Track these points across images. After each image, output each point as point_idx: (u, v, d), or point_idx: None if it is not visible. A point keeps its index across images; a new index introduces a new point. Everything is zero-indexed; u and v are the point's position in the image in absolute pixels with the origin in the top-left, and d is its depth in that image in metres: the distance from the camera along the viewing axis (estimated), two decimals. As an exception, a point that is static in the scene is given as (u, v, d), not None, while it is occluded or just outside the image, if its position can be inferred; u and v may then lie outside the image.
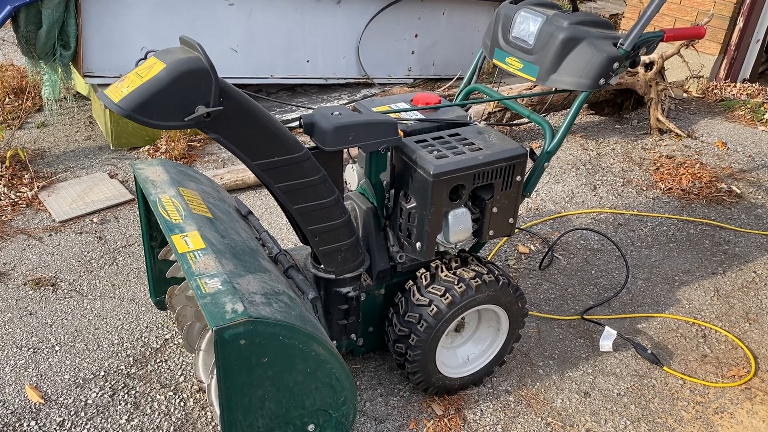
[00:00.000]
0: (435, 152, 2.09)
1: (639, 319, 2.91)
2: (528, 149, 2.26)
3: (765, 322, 2.91)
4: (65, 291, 2.94)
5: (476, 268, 2.27)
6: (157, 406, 2.37)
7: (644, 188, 4.03)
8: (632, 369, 2.62)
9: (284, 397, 1.91)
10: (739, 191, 4.01)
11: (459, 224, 2.16)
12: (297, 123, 2.02)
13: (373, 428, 2.32)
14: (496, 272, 2.29)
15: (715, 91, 5.49)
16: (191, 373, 2.53)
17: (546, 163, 2.34)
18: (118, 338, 2.68)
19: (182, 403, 2.40)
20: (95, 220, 3.48)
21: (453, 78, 5.51)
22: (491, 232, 2.26)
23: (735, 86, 5.53)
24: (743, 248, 3.46)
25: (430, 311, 2.18)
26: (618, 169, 4.24)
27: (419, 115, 2.30)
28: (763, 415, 2.43)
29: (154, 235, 2.63)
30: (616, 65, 2.20)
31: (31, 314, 2.79)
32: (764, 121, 4.98)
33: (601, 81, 2.22)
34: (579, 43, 2.22)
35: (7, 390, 2.41)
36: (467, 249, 2.43)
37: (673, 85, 4.79)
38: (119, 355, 2.60)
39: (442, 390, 2.42)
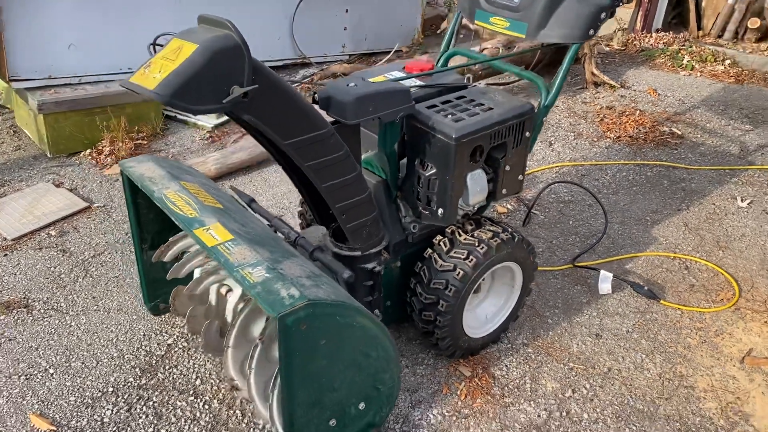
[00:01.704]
0: (449, 116, 2.08)
1: (625, 260, 3.06)
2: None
3: (735, 248, 3.14)
4: (42, 311, 2.72)
5: (492, 228, 2.29)
6: (181, 413, 2.26)
7: (595, 139, 4.20)
8: (633, 307, 2.76)
9: (340, 378, 1.87)
10: (680, 132, 4.27)
11: (477, 186, 2.18)
12: (310, 100, 1.95)
13: (408, 399, 2.31)
14: (510, 230, 2.33)
15: (634, 42, 5.78)
16: (207, 375, 2.42)
17: (545, 117, 2.39)
18: (116, 351, 2.52)
19: (207, 406, 2.29)
20: (52, 233, 3.23)
21: (390, 51, 5.49)
22: (504, 191, 2.29)
23: (651, 36, 5.86)
24: (698, 184, 3.70)
25: (457, 275, 2.19)
26: (566, 124, 4.40)
27: (419, 82, 2.28)
28: (757, 331, 2.62)
29: (145, 237, 2.49)
30: (603, 15, 2.27)
31: (10, 340, 2.57)
32: (684, 66, 5.31)
33: (591, 32, 2.29)
34: (567, -4, 2.27)
35: (9, 422, 2.21)
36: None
37: (602, 39, 5.00)
38: (123, 367, 2.45)
39: (467, 352, 2.45)
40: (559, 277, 2.94)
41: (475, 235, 2.26)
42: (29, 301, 2.78)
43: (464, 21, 5.50)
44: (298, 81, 4.98)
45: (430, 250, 2.29)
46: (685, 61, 5.33)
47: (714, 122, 4.45)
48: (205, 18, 1.59)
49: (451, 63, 2.73)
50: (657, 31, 6.12)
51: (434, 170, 2.10)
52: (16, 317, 2.68)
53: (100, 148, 3.92)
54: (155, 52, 1.63)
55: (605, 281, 2.82)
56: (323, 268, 2.08)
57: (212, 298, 2.36)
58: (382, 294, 2.32)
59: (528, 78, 2.44)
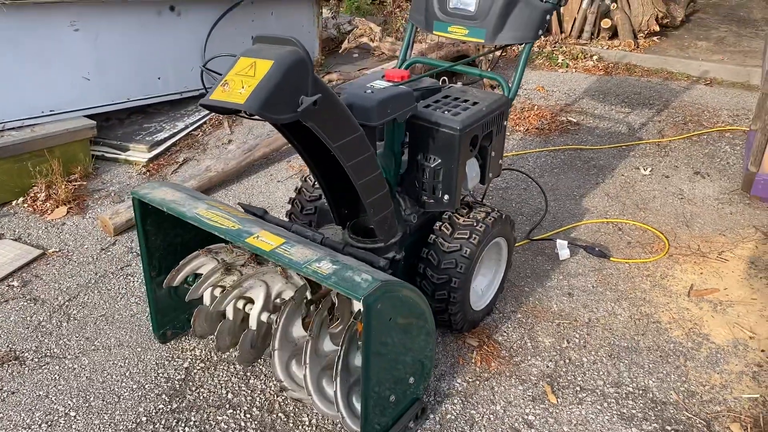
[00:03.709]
0: (446, 112, 2.36)
1: (568, 230, 3.50)
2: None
3: (652, 208, 3.69)
4: (35, 360, 2.63)
5: (483, 209, 2.59)
6: (225, 426, 2.32)
7: (508, 133, 4.67)
8: (590, 266, 3.18)
9: (401, 354, 2.06)
10: (575, 120, 4.87)
11: (473, 172, 2.47)
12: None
13: (432, 375, 2.53)
14: (496, 209, 2.64)
15: (513, 48, 6.42)
16: (237, 388, 2.49)
17: (509, 110, 2.74)
18: (135, 383, 2.51)
19: (248, 415, 2.37)
20: (14, 284, 3.09)
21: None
22: (490, 175, 2.60)
23: (526, 41, 6.54)
24: (605, 160, 4.27)
25: (464, 253, 2.46)
26: (479, 123, 4.85)
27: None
28: (691, 270, 3.14)
29: (154, 264, 2.51)
30: (548, 16, 2.67)
31: (12, 393, 2.46)
32: (560, 64, 6.00)
33: (540, 32, 2.67)
34: (517, 3, 2.64)
35: (50, 469, 2.16)
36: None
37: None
38: (148, 396, 2.45)
39: (471, 325, 2.71)
40: (522, 252, 3.31)
41: (472, 216, 2.54)
42: (17, 353, 2.66)
43: (366, 40, 5.83)
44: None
45: (434, 236, 2.54)
46: (560, 60, 6.03)
47: (599, 109, 5.11)
48: (264, 37, 1.74)
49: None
50: (528, 36, 6.83)
51: (439, 161, 2.36)
52: (10, 371, 2.57)
53: (34, 194, 3.76)
54: (204, 74, 1.76)
55: (563, 247, 3.23)
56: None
57: (230, 313, 2.44)
58: (397, 282, 2.53)
59: (490, 77, 2.78)
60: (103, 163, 4.25)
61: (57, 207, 3.68)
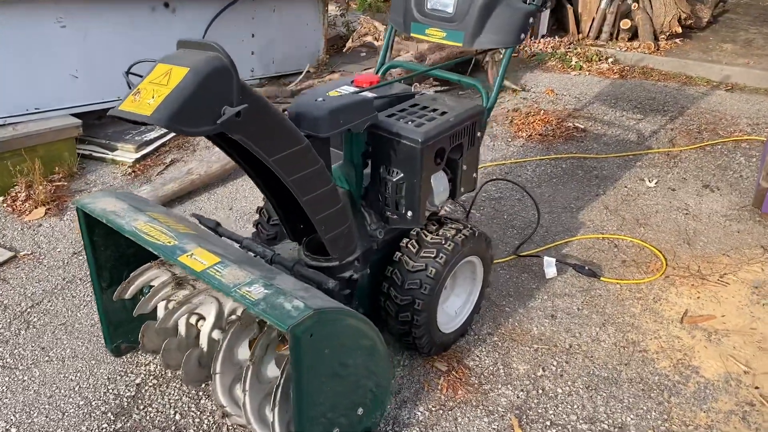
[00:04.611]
0: (410, 122, 2.19)
1: (561, 245, 3.29)
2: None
3: (653, 223, 3.46)
4: (-14, 370, 2.54)
5: (454, 226, 2.42)
6: (167, 451, 2.20)
7: (510, 139, 4.48)
8: (578, 286, 2.98)
9: (343, 385, 1.91)
10: (582, 126, 4.64)
11: (440, 186, 2.30)
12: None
13: (393, 401, 2.37)
14: (469, 226, 2.47)
15: (525, 48, 6.20)
16: (186, 408, 2.36)
17: (487, 119, 2.56)
18: (82, 399, 2.40)
19: (193, 439, 2.24)
20: (-20, 287, 3.02)
21: (298, 73, 5.55)
22: (462, 189, 2.43)
23: (539, 42, 6.30)
24: (608, 170, 4.04)
25: (429, 273, 2.29)
26: (480, 128, 4.65)
27: (371, 95, 2.37)
28: (687, 293, 2.91)
29: (104, 276, 2.40)
30: (531, 20, 2.48)
31: (-43, 405, 2.38)
32: (573, 66, 5.76)
33: (522, 35, 2.48)
34: (497, 5, 2.45)
35: (-21, 491, 2.06)
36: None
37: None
38: (93, 414, 2.34)
39: (441, 348, 2.54)
40: (507, 268, 3.12)
41: (441, 233, 2.37)
42: (-30, 361, 2.58)
43: (370, 39, 5.67)
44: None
45: (399, 254, 2.37)
46: (573, 62, 5.79)
47: (609, 115, 4.87)
48: (187, 42, 1.60)
49: (392, 75, 2.85)
50: (543, 36, 6.60)
51: (401, 175, 2.20)
52: (-42, 380, 2.49)
53: (15, 194, 3.69)
54: (129, 79, 1.62)
55: (550, 266, 3.03)
56: (306, 282, 2.12)
57: (182, 329, 2.31)
58: (357, 302, 2.38)
59: (468, 84, 2.61)
60: (90, 162, 4.17)
61: (35, 208, 3.61)
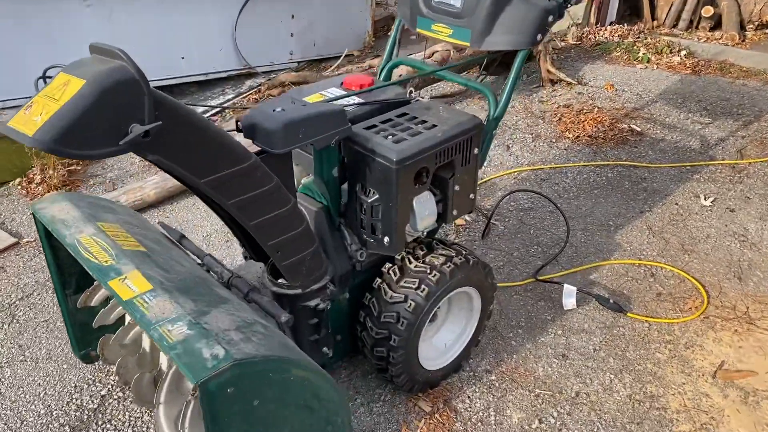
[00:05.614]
0: (390, 137, 1.90)
1: (589, 270, 2.92)
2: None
3: (701, 251, 3.03)
4: (-39, 365, 2.48)
5: (444, 252, 2.13)
6: (114, 477, 2.05)
7: (554, 140, 4.08)
8: (599, 321, 2.62)
9: (281, 437, 1.68)
10: (639, 129, 4.17)
11: (425, 210, 2.01)
12: (233, 127, 1.76)
13: (364, 443, 2.14)
14: (464, 252, 2.17)
15: (589, 36, 5.69)
16: (145, 429, 2.21)
17: (495, 131, 2.23)
18: (44, 407, 2.29)
19: (143, 466, 2.08)
20: (-23, 274, 2.98)
21: (340, 56, 5.30)
22: (455, 212, 2.13)
23: (606, 29, 5.77)
24: (659, 183, 3.59)
25: (408, 307, 2.02)
26: (524, 125, 4.27)
27: (357, 100, 2.10)
28: (727, 341, 2.51)
29: (68, 281, 2.26)
30: (551, 18, 2.12)
31: (-76, 402, 2.32)
32: (640, 59, 5.23)
33: (538, 36, 2.13)
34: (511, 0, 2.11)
35: None
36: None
37: (557, 35, 4.88)
38: (51, 426, 2.22)
39: (426, 385, 2.28)
40: (522, 293, 2.79)
41: (427, 261, 2.08)
42: (-53, 355, 2.53)
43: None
44: (245, 92, 4.76)
45: (379, 280, 2.11)
46: (641, 54, 5.25)
47: (673, 116, 4.36)
48: (97, 47, 1.38)
49: (396, 73, 2.56)
50: (611, 23, 6.04)
51: (377, 196, 1.93)
52: (-69, 375, 2.44)
53: (31, 176, 3.66)
54: (43, 87, 1.42)
55: (569, 296, 2.68)
56: (261, 311, 1.90)
57: (146, 345, 2.16)
58: (329, 330, 2.14)
59: (475, 89, 2.28)
60: (112, 145, 4.09)
61: (48, 192, 3.56)
